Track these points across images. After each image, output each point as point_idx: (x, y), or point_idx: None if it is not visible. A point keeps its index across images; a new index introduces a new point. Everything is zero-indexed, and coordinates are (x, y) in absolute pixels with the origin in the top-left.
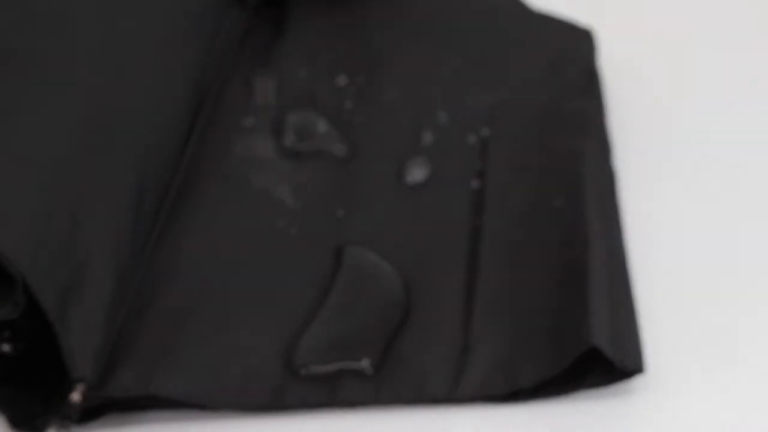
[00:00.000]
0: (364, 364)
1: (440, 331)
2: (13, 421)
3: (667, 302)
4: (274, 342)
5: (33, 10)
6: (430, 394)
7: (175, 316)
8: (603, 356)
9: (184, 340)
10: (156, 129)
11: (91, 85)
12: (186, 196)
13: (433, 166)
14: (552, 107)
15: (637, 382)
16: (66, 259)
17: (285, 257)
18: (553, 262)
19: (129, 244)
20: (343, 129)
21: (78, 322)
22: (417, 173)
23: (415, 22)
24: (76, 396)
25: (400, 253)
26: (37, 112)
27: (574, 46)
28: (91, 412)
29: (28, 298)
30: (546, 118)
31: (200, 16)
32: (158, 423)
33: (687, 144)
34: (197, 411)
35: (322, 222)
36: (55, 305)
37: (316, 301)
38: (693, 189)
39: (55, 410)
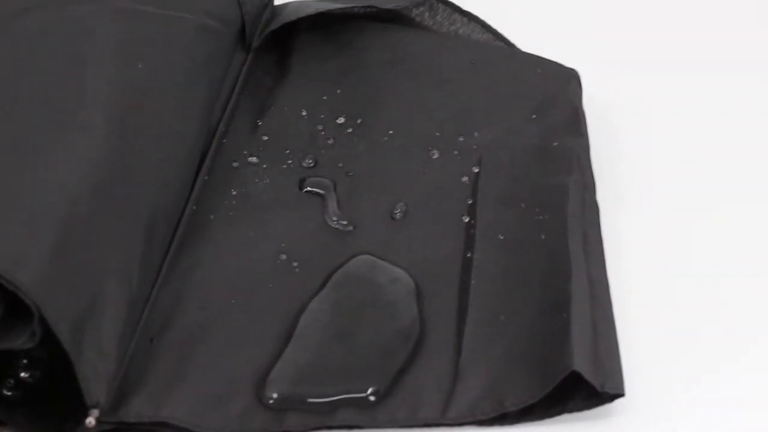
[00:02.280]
0: (369, 393)
1: (433, 358)
2: None
3: (646, 328)
4: (280, 371)
5: (49, 54)
6: (423, 418)
7: (184, 346)
8: (585, 380)
9: (193, 369)
10: (167, 166)
11: (105, 125)
12: (194, 230)
13: (427, 201)
14: (539, 145)
15: (617, 405)
16: (81, 290)
17: (289, 288)
18: (538, 291)
19: (140, 275)
20: (342, 167)
21: (92, 350)
22: (411, 208)
23: (411, 65)
24: (90, 421)
25: None
26: (53, 150)
27: (560, 86)
28: None
29: (44, 328)
30: (533, 155)
31: (209, 59)
32: None
33: (665, 175)
34: None
35: (323, 254)
36: (69, 335)
37: (321, 329)
38: (672, 219)
39: None
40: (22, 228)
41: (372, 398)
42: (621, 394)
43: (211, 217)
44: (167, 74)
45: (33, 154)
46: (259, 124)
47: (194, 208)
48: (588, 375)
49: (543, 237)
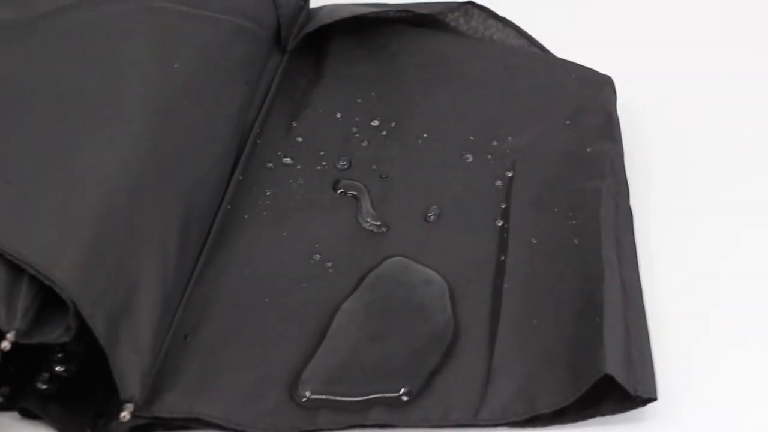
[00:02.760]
0: (401, 393)
1: (466, 360)
2: None
3: (679, 333)
4: (313, 370)
5: (87, 51)
6: (455, 419)
7: (218, 343)
8: (618, 384)
9: (226, 367)
10: (202, 165)
11: (142, 122)
12: (228, 229)
13: (460, 205)
14: (573, 151)
15: (650, 410)
16: (116, 285)
17: (322, 289)
18: (571, 295)
19: (175, 272)
20: (376, 169)
21: (127, 345)
22: (444, 211)
23: (445, 70)
24: (125, 415)
25: None
26: (90, 145)
27: (595, 92)
28: (137, 431)
29: (79, 322)
30: (567, 161)
31: (245, 60)
32: None
33: (698, 181)
34: None
35: (357, 255)
36: (105, 329)
37: (355, 329)
38: (705, 224)
39: (104, 428)
40: (59, 222)
41: (405, 398)
42: (654, 398)
43: (246, 216)
44: (203, 74)
45: (70, 149)
46: (294, 125)
47: (228, 207)
48: (621, 379)
49: (576, 241)
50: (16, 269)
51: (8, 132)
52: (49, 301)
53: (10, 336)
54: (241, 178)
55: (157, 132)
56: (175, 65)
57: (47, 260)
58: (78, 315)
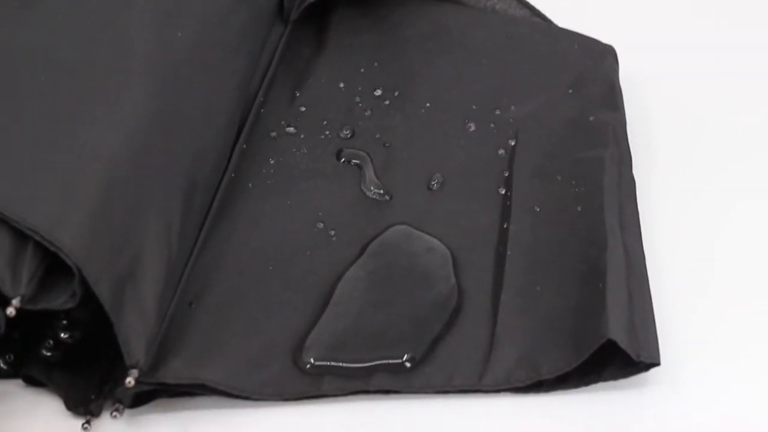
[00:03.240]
0: (405, 359)
1: (469, 327)
2: (69, 405)
3: (681, 299)
4: (317, 337)
5: (90, 21)
6: (458, 384)
7: (222, 311)
8: (620, 350)
9: (230, 334)
10: (206, 134)
11: (146, 92)
12: (232, 198)
13: (463, 173)
14: (576, 119)
15: (652, 375)
16: (121, 252)
17: (325, 257)
18: (574, 262)
19: (179, 240)
20: (379, 138)
21: (132, 311)
22: (447, 179)
23: (448, 39)
24: (130, 381)
25: None
26: (94, 114)
27: (597, 62)
28: (142, 397)
29: (84, 288)
30: (570, 129)
31: (248, 30)
32: (205, 408)
33: (700, 149)
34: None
35: (360, 223)
36: (110, 296)
37: (359, 296)
38: (707, 192)
39: (109, 394)
40: (63, 189)
41: (408, 364)
42: (656, 364)
43: (250, 185)
44: (207, 44)
45: (74, 118)
46: (297, 95)
47: (233, 176)
48: (623, 344)
49: (579, 209)
50: (22, 236)
51: (13, 100)
52: (54, 267)
53: (15, 302)
54: (245, 146)
55: (161, 101)
56: (179, 34)
57: (53, 227)
58: (83, 281)
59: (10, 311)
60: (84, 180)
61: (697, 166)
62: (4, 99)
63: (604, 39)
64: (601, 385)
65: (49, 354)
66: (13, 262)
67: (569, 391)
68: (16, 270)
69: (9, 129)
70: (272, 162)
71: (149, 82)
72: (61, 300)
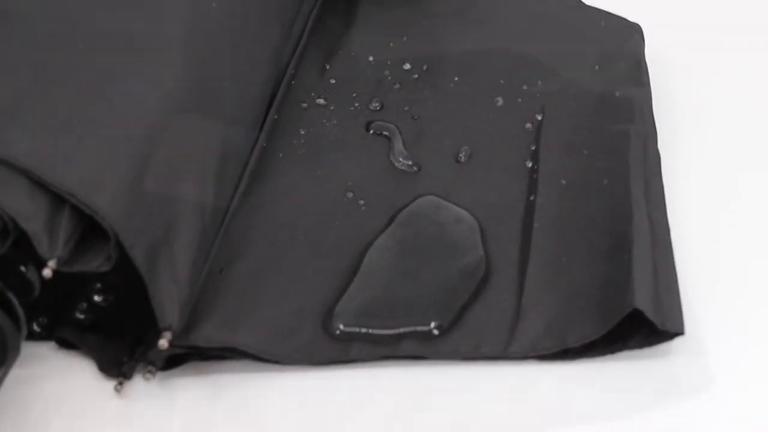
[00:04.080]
0: (433, 327)
1: (496, 296)
2: (101, 367)
3: (706, 272)
4: (346, 304)
5: None
6: (485, 352)
7: (253, 278)
8: (646, 319)
9: (261, 300)
10: (240, 103)
11: (181, 58)
12: (263, 167)
13: (491, 146)
14: (602, 94)
15: (677, 344)
16: (156, 217)
17: (355, 226)
18: (600, 234)
19: (212, 206)
20: (407, 111)
21: (166, 276)
22: (475, 152)
23: (476, 16)
24: (163, 343)
25: None
26: (131, 81)
27: (624, 39)
28: (174, 360)
29: (119, 252)
30: (596, 104)
31: (280, 2)
32: (234, 372)
33: (726, 126)
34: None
35: (389, 194)
36: (145, 260)
37: (387, 265)
38: (731, 165)
39: (142, 357)
40: (100, 153)
41: (435, 332)
42: (681, 333)
43: (281, 155)
44: (241, 14)
45: (111, 83)
46: (327, 67)
47: (264, 145)
48: (649, 313)
49: (605, 182)
50: (58, 199)
51: (51, 66)
52: (89, 230)
53: (51, 263)
54: (276, 117)
55: (196, 69)
56: (213, 4)
57: (90, 190)
58: (118, 245)
59: (47, 273)
60: (121, 145)
61: (721, 142)
62: (41, 65)
63: (631, 17)
64: (625, 353)
65: (82, 317)
66: (50, 224)
67: (594, 359)
68: (53, 232)
69: (47, 93)
70: (302, 132)
71: (184, 51)
72: (96, 263)
